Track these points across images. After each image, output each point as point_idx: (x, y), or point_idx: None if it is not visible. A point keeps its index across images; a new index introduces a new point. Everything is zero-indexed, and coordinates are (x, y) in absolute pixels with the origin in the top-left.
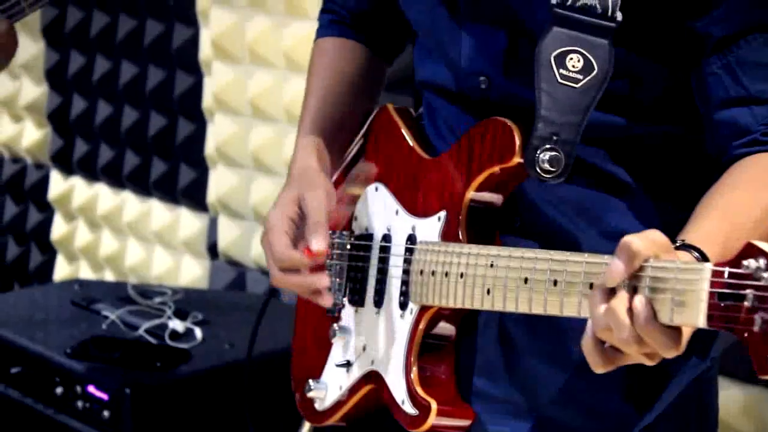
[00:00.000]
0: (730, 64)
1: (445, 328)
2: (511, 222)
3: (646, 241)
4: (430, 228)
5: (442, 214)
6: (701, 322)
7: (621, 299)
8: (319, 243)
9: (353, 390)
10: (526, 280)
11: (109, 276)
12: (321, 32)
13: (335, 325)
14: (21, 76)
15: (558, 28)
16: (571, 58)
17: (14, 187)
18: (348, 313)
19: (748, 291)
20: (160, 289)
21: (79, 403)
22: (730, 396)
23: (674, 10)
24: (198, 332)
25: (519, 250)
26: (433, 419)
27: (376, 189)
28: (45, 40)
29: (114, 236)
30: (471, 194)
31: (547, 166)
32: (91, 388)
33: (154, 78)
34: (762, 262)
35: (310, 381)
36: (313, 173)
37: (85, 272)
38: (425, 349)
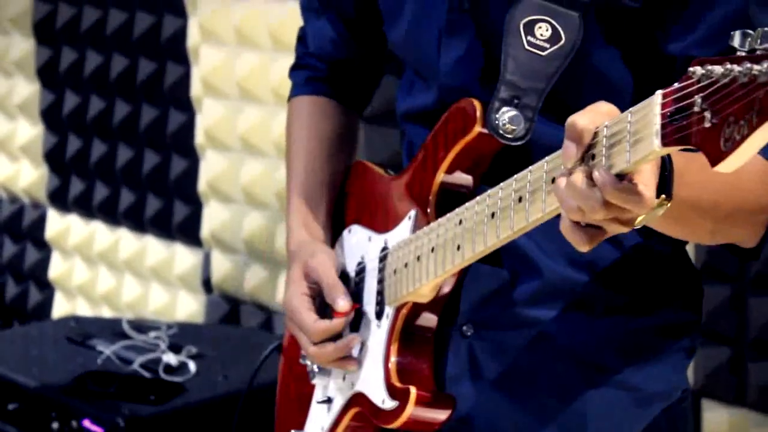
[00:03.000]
0: None
1: (424, 319)
2: None
3: (591, 114)
4: (402, 231)
5: (412, 212)
6: (656, 145)
7: (578, 172)
8: (343, 301)
9: (336, 424)
10: (492, 215)
11: (106, 312)
12: (296, 90)
13: (315, 366)
14: (17, 116)
15: None
16: (540, 27)
17: (12, 226)
18: None
19: (696, 98)
20: (154, 324)
21: None
22: (717, 418)
23: (650, 32)
24: (192, 365)
25: (486, 193)
26: (412, 407)
27: (350, 231)
28: (40, 81)
29: (111, 273)
30: (441, 177)
31: (508, 125)
32: (87, 423)
33: (147, 116)
34: (708, 67)
35: (293, 431)
36: (308, 244)
37: (83, 309)
38: (404, 345)
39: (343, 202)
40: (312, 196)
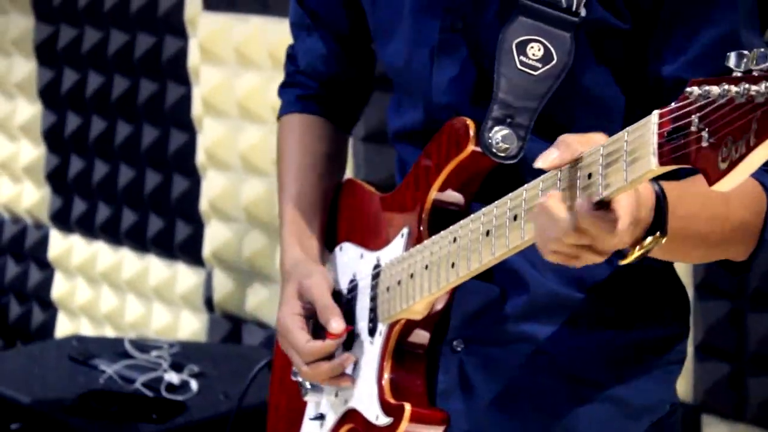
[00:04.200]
0: None
1: (416, 336)
2: None
3: (584, 138)
4: (394, 249)
5: (405, 230)
6: (654, 164)
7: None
8: (337, 323)
9: None
10: (487, 233)
11: (109, 332)
12: (287, 108)
13: (307, 383)
14: (19, 137)
15: (523, 17)
16: (532, 47)
17: (15, 247)
18: None
19: (693, 117)
20: (156, 343)
21: None
22: None
23: (641, 54)
24: (194, 384)
25: (480, 211)
26: (406, 423)
27: (341, 249)
28: (42, 101)
29: (113, 293)
30: (433, 195)
31: (501, 144)
32: None
33: (148, 136)
34: (705, 87)
35: None
36: (303, 264)
37: (86, 329)
38: (397, 362)
39: (334, 220)
40: (305, 215)
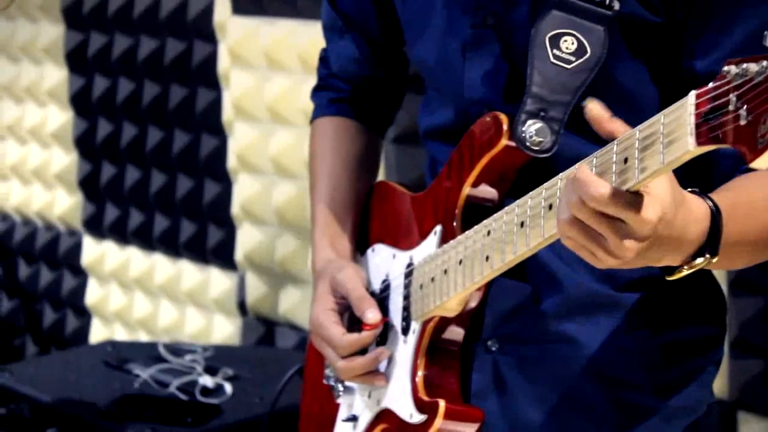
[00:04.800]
0: None
1: (450, 333)
2: None
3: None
4: (427, 247)
5: (438, 228)
6: (691, 144)
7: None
8: (372, 314)
9: None
10: (522, 224)
11: (143, 337)
12: (319, 111)
13: (339, 385)
14: (51, 145)
15: (556, 11)
16: (566, 40)
17: (48, 254)
18: None
19: (731, 96)
20: (190, 347)
21: None
22: (754, 431)
23: (673, 48)
24: (228, 387)
25: (514, 203)
26: (441, 420)
27: (373, 250)
28: (73, 108)
29: (147, 298)
30: (467, 190)
31: (534, 137)
32: None
33: (179, 141)
34: (743, 66)
35: None
36: (335, 262)
37: (120, 335)
38: (431, 360)
39: (366, 222)
40: (337, 217)
